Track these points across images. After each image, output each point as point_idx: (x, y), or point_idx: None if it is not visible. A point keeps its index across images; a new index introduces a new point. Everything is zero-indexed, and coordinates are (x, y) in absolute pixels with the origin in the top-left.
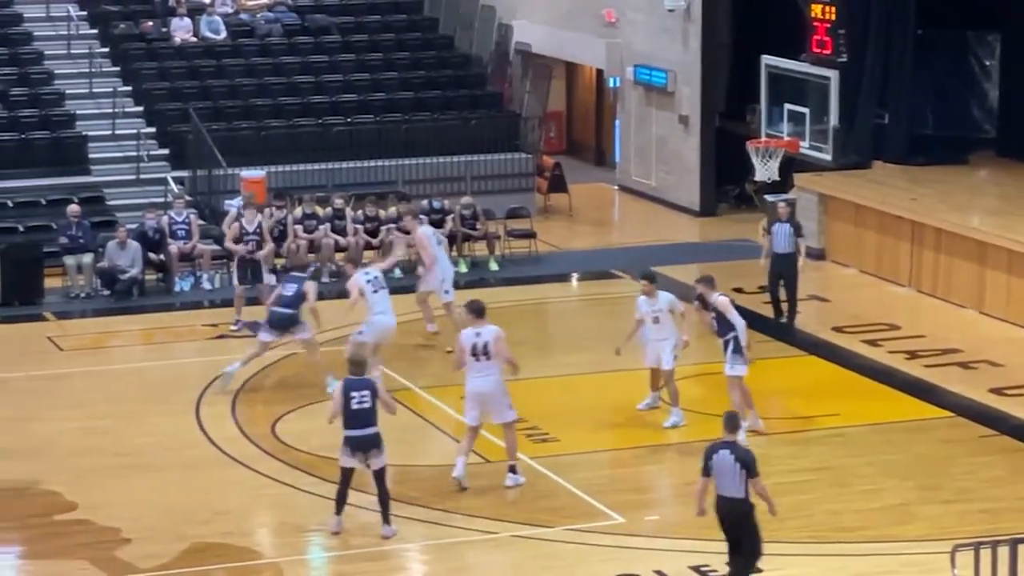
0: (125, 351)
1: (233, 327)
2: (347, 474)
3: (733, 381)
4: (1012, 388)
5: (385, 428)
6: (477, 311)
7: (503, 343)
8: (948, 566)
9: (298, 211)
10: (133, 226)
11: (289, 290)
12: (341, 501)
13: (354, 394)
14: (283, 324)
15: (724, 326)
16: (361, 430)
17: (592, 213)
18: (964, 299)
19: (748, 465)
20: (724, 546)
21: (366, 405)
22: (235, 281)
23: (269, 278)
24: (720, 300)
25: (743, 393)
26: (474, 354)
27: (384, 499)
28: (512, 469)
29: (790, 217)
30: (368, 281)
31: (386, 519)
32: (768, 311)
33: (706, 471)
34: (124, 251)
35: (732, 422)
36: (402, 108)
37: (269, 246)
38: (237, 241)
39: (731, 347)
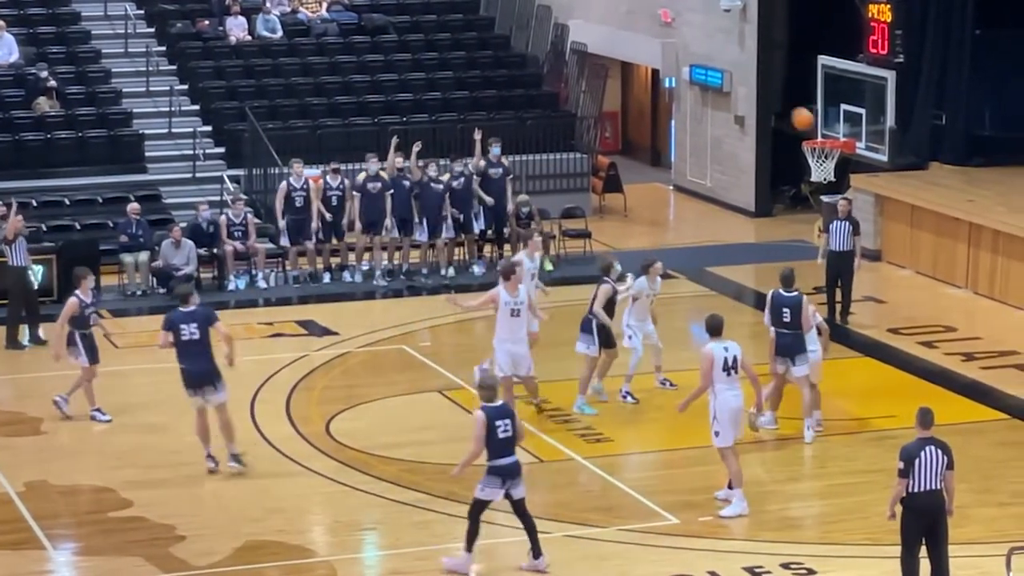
0: None
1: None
2: (483, 507)
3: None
4: None
5: (437, 427)
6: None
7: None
8: (1003, 569)
9: (361, 176)
10: (188, 220)
11: None
12: (473, 536)
13: (498, 423)
14: None
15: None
16: (509, 459)
17: (647, 213)
18: (1021, 301)
19: (951, 456)
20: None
21: (510, 434)
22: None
23: None
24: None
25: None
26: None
27: (531, 529)
28: None
29: (849, 215)
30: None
31: (536, 552)
32: (822, 312)
33: (907, 473)
34: (179, 250)
35: (926, 418)
36: (457, 108)
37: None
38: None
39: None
